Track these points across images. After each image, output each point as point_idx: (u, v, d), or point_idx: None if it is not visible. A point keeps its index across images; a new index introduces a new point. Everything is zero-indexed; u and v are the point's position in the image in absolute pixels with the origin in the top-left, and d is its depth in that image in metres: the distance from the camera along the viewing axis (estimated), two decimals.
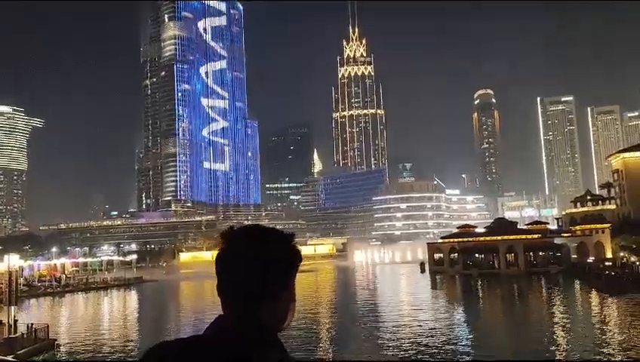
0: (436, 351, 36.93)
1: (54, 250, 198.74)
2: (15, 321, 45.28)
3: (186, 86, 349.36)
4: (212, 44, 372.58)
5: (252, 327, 1.82)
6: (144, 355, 1.83)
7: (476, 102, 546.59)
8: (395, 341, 41.17)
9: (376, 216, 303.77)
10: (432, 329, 46.37)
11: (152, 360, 1.81)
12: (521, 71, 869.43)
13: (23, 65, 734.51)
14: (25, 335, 42.85)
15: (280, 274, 1.90)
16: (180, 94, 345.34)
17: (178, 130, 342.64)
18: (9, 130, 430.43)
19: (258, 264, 1.87)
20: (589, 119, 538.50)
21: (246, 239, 1.93)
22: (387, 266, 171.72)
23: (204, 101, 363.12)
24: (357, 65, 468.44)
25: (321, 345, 41.40)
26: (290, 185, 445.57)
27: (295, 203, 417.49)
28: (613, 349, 36.40)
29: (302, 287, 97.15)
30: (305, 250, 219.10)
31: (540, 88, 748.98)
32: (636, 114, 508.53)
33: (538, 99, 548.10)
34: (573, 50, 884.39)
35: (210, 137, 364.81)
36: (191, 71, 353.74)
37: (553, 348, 37.72)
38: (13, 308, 46.87)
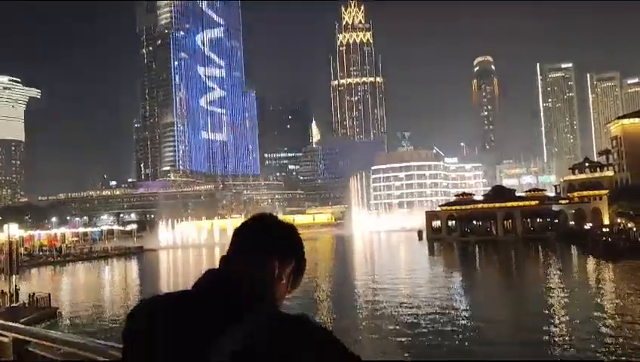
0: (435, 316, 37.35)
1: (54, 220, 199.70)
2: (17, 290, 45.76)
3: (183, 54, 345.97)
4: (208, 11, 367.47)
5: (243, 281, 1.85)
6: (134, 308, 1.85)
7: (476, 70, 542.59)
8: (392, 304, 41.65)
9: (374, 185, 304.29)
10: (429, 294, 46.87)
11: (141, 312, 1.83)
12: (522, 37, 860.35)
13: (19, 37, 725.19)
14: (27, 304, 43.36)
15: (284, 248, 2.01)
16: (176, 63, 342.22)
17: (175, 99, 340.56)
18: (6, 101, 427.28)
19: (268, 236, 2.00)
20: (589, 86, 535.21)
21: (264, 221, 2.07)
22: (385, 234, 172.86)
23: (201, 70, 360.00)
24: (355, 32, 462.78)
25: (321, 305, 41.92)
26: (289, 154, 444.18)
27: (294, 172, 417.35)
28: (608, 314, 36.89)
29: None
30: (304, 219, 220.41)
31: (539, 55, 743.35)
32: (636, 80, 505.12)
33: (538, 65, 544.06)
34: (574, 15, 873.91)
35: (208, 107, 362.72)
36: (187, 39, 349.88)
37: (549, 314, 38.18)
38: (14, 277, 47.31)
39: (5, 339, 4.42)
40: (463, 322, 35.61)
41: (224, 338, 1.63)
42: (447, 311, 39.00)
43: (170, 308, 1.80)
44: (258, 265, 1.93)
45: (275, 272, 1.94)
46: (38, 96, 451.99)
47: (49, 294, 45.61)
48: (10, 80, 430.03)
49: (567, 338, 30.33)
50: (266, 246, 1.97)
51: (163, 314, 1.79)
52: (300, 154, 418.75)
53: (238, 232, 2.05)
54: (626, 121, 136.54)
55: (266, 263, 1.94)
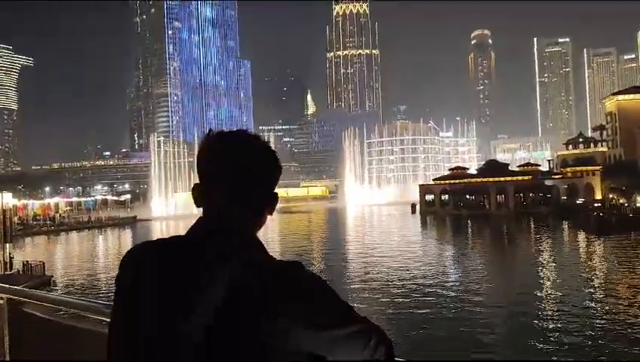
0: (427, 287, 37.84)
1: (48, 189, 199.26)
2: (11, 258, 45.96)
3: (177, 23, 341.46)
4: None
5: (233, 227, 1.74)
6: (125, 255, 1.82)
7: (473, 43, 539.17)
8: (382, 271, 42.17)
9: (369, 158, 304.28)
10: (418, 263, 47.36)
11: (128, 263, 1.79)
12: (519, 11, 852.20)
13: (10, 6, 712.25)
14: (21, 272, 43.59)
15: (274, 196, 1.85)
16: (170, 32, 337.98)
17: (169, 69, 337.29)
18: None
19: (256, 182, 1.80)
20: (585, 61, 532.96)
21: (246, 158, 1.80)
22: (379, 207, 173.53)
23: (195, 39, 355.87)
24: (352, 2, 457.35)
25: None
26: (284, 127, 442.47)
27: (288, 145, 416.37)
28: (597, 287, 37.47)
29: (296, 225, 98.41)
30: (298, 192, 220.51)
31: (537, 29, 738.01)
32: (632, 56, 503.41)
33: (535, 40, 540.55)
34: None
35: (202, 77, 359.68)
36: (181, 8, 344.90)
37: (539, 286, 38.73)
38: (8, 245, 47.47)
39: (0, 301, 4.44)
40: (449, 287, 36.15)
41: (213, 287, 1.57)
42: (436, 279, 39.64)
43: (155, 255, 1.75)
44: (247, 208, 1.79)
45: (265, 219, 1.85)
46: (31, 65, 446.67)
47: (43, 262, 45.80)
48: (1, 47, 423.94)
49: (552, 308, 30.82)
50: (257, 195, 1.80)
51: (148, 262, 1.74)
52: (295, 126, 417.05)
53: (218, 161, 1.82)
54: (621, 97, 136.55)
55: (256, 207, 1.81)
